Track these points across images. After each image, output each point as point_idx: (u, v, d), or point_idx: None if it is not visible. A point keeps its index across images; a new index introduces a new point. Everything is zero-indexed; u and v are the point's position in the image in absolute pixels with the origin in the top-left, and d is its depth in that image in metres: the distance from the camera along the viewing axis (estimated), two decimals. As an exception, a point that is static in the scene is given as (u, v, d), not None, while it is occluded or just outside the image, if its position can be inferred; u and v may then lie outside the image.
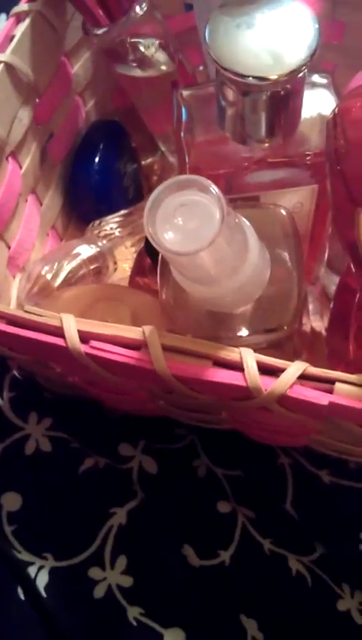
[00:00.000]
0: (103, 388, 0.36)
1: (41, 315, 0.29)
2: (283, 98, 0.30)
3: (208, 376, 0.27)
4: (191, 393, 0.29)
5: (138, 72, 0.41)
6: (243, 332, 0.29)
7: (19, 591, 0.38)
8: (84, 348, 0.28)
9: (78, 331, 0.28)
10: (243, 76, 0.28)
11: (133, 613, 0.38)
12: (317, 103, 0.33)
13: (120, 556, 0.39)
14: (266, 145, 0.32)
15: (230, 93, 0.30)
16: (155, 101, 0.42)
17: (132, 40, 0.39)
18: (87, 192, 0.45)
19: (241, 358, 0.27)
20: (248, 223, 0.27)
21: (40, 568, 0.39)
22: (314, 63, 0.29)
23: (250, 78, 0.28)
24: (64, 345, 0.28)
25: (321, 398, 0.26)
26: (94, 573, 0.39)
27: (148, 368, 0.27)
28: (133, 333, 0.28)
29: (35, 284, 0.41)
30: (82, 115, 0.48)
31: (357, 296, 0.30)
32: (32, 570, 0.39)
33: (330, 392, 0.26)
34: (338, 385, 0.26)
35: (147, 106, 0.44)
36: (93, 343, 0.28)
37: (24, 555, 0.39)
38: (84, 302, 0.37)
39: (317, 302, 0.40)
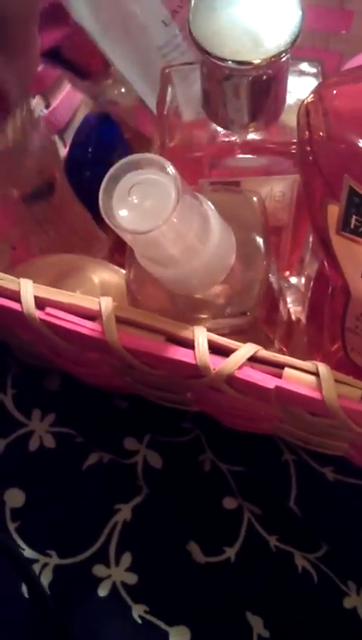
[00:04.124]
0: (67, 359, 0.35)
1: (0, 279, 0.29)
2: (264, 83, 0.29)
3: (159, 351, 0.27)
4: (145, 368, 0.29)
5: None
6: (205, 316, 0.29)
7: (24, 589, 0.38)
8: (39, 314, 0.28)
9: (35, 297, 0.28)
10: (223, 60, 0.27)
11: (138, 610, 0.38)
12: (306, 91, 0.32)
13: (125, 553, 0.39)
14: (249, 130, 0.31)
15: (211, 77, 0.29)
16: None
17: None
18: (80, 187, 0.45)
19: (194, 336, 0.26)
20: (212, 206, 0.26)
21: (44, 566, 0.39)
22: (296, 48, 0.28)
23: (230, 62, 0.27)
24: (20, 310, 0.28)
25: (268, 382, 0.26)
26: (99, 570, 0.39)
27: (100, 339, 0.27)
28: (89, 302, 0.28)
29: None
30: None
31: (331, 286, 0.29)
32: (36, 568, 0.39)
33: (279, 376, 0.26)
34: (287, 370, 0.26)
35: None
36: (49, 309, 0.28)
37: (28, 553, 0.39)
38: (57, 271, 0.37)
39: (302, 293, 0.39)
